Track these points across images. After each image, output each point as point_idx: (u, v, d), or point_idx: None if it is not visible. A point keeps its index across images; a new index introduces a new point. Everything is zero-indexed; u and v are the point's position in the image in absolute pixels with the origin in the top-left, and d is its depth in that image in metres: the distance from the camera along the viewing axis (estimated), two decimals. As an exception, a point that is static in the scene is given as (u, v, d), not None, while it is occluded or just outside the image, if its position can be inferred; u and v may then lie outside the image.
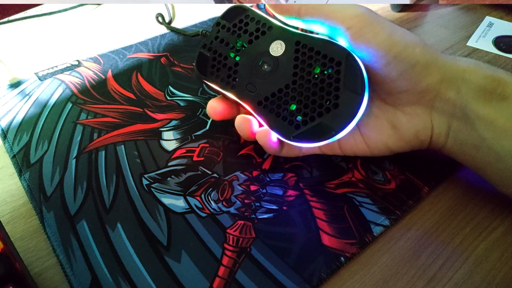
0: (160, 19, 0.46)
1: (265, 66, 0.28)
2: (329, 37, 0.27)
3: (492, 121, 0.24)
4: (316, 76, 0.26)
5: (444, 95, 0.26)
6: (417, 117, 0.27)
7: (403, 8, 0.50)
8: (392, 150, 0.28)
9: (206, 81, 0.30)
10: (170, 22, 0.47)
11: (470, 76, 0.25)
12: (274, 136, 0.28)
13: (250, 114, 0.29)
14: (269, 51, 0.28)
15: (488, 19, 0.48)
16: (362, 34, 0.25)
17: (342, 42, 0.26)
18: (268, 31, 0.28)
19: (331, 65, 0.25)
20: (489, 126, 0.24)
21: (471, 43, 0.44)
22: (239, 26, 0.29)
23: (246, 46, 0.29)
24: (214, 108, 0.30)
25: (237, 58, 0.29)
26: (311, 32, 0.27)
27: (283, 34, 0.28)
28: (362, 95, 0.25)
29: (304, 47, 0.27)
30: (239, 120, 0.29)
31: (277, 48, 0.27)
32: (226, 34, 0.30)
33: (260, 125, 0.29)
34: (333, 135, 0.25)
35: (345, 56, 0.25)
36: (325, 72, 0.26)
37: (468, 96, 0.25)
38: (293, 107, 0.26)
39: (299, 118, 0.26)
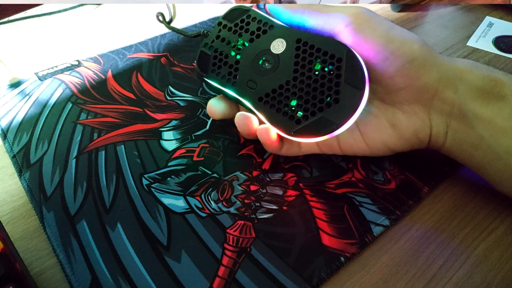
0: (160, 18, 0.46)
1: (266, 64, 0.28)
2: (330, 35, 0.27)
3: (490, 121, 0.24)
4: (316, 72, 0.26)
5: (442, 94, 0.26)
6: (416, 116, 0.27)
7: (403, 8, 0.50)
8: (391, 149, 0.28)
9: (207, 79, 0.30)
10: (170, 21, 0.47)
11: (468, 76, 0.25)
12: (274, 134, 0.28)
13: (251, 112, 0.29)
14: (270, 49, 0.28)
15: (488, 19, 0.48)
16: (361, 30, 0.25)
17: (342, 38, 0.26)
18: (269, 30, 0.28)
19: (331, 62, 0.26)
20: (487, 125, 0.24)
21: (471, 43, 0.44)
22: (241, 25, 0.29)
23: (247, 44, 0.29)
24: (214, 107, 0.30)
25: (238, 56, 0.29)
26: (312, 31, 0.28)
27: (284, 32, 0.28)
28: (363, 90, 0.25)
29: (305, 45, 0.27)
30: (239, 116, 0.29)
31: (278, 46, 0.28)
32: (227, 33, 0.30)
33: (261, 123, 0.29)
34: (334, 129, 0.25)
35: (345, 53, 0.25)
36: (326, 68, 0.26)
37: (466, 95, 0.25)
38: (294, 102, 0.27)
39: (300, 113, 0.26)
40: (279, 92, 0.27)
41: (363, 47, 0.26)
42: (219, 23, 0.31)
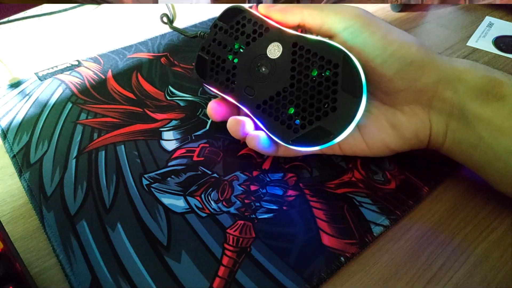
0: (165, 19, 0.45)
1: (263, 69, 0.28)
2: (328, 36, 0.27)
3: (489, 121, 0.24)
4: (313, 79, 0.26)
5: (442, 95, 0.26)
6: (416, 117, 0.27)
7: (403, 8, 0.50)
8: (392, 149, 0.28)
9: (205, 85, 0.30)
10: (171, 21, 0.47)
11: (467, 76, 0.25)
12: (264, 141, 0.28)
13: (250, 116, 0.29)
14: (266, 54, 0.28)
15: (488, 19, 0.48)
16: (359, 34, 0.25)
17: (340, 40, 0.26)
18: (265, 32, 0.28)
19: (328, 68, 0.25)
20: (487, 125, 0.25)
21: (471, 43, 0.44)
22: (236, 27, 0.29)
23: (243, 48, 0.29)
24: (214, 109, 0.30)
25: (235, 61, 0.29)
26: (307, 33, 0.27)
27: (280, 35, 0.28)
28: (360, 98, 0.24)
29: (301, 49, 0.26)
30: (231, 121, 0.29)
31: (274, 51, 0.27)
32: (223, 36, 0.30)
33: (257, 127, 0.29)
34: (331, 139, 0.25)
35: (342, 58, 0.25)
36: (323, 74, 0.26)
37: (466, 96, 0.25)
38: (292, 110, 0.26)
39: (297, 121, 0.26)
40: (276, 100, 0.27)
41: (362, 50, 0.26)
42: (215, 25, 0.30)
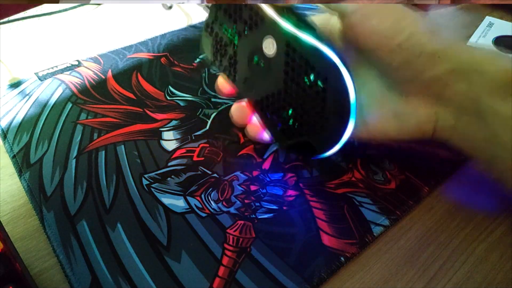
0: (168, 4, 0.45)
1: (260, 62, 0.27)
2: (320, 42, 0.24)
3: (507, 118, 0.22)
4: (305, 88, 0.25)
5: (453, 87, 0.24)
6: (420, 109, 0.26)
7: (403, 8, 0.50)
8: (391, 138, 0.27)
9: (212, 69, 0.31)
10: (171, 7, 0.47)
11: (487, 68, 0.23)
12: (266, 135, 0.28)
13: None
14: (262, 48, 0.27)
15: (488, 19, 0.48)
16: (369, 18, 0.24)
17: (350, 24, 0.25)
18: (260, 22, 0.26)
19: (318, 79, 0.24)
20: (504, 122, 0.23)
21: (471, 43, 0.44)
22: (234, 9, 0.28)
23: (237, 37, 0.28)
24: (222, 84, 0.31)
25: (236, 47, 0.29)
26: (304, 26, 0.25)
27: (274, 29, 0.26)
28: (347, 119, 0.24)
29: (294, 52, 0.25)
30: (235, 107, 0.29)
31: (269, 47, 0.26)
32: (223, 16, 0.29)
33: None
34: (317, 155, 0.26)
35: (333, 72, 0.23)
36: (313, 86, 0.24)
37: (483, 89, 0.23)
38: (285, 115, 0.27)
39: (290, 129, 0.26)
40: (271, 101, 0.27)
41: (370, 37, 0.24)
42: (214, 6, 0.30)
